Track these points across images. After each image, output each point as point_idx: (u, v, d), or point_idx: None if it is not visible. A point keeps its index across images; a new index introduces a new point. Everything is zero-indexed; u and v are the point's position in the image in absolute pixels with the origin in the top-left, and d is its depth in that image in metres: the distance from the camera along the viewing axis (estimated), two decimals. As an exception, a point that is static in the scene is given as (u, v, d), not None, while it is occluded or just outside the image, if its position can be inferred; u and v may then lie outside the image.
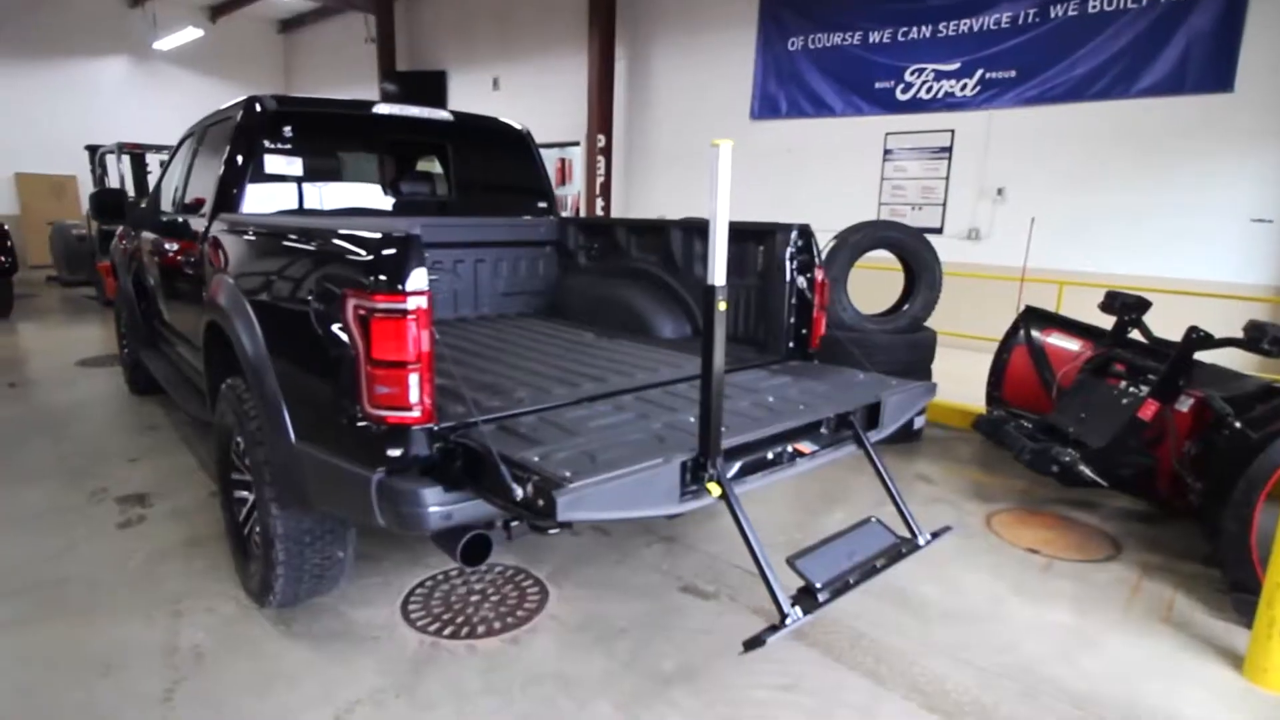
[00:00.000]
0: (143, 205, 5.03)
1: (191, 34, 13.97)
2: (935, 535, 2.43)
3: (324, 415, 2.20)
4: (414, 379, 1.96)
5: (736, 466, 2.22)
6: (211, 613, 2.87)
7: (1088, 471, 3.70)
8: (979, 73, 7.66)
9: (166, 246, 4.00)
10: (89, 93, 14.17)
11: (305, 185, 3.60)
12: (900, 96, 8.24)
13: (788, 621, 1.87)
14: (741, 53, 9.46)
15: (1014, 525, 3.87)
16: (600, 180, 10.65)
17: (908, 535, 2.40)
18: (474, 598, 3.03)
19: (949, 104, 7.92)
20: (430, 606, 2.95)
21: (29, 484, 4.03)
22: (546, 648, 2.72)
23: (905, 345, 4.92)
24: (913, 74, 8.10)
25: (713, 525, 3.73)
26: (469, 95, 13.01)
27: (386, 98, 13.06)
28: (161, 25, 14.00)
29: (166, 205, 4.42)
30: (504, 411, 2.36)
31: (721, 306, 1.86)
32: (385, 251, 1.98)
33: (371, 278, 1.96)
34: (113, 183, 9.73)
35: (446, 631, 2.79)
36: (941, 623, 2.94)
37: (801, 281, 3.21)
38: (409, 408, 1.98)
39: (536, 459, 1.88)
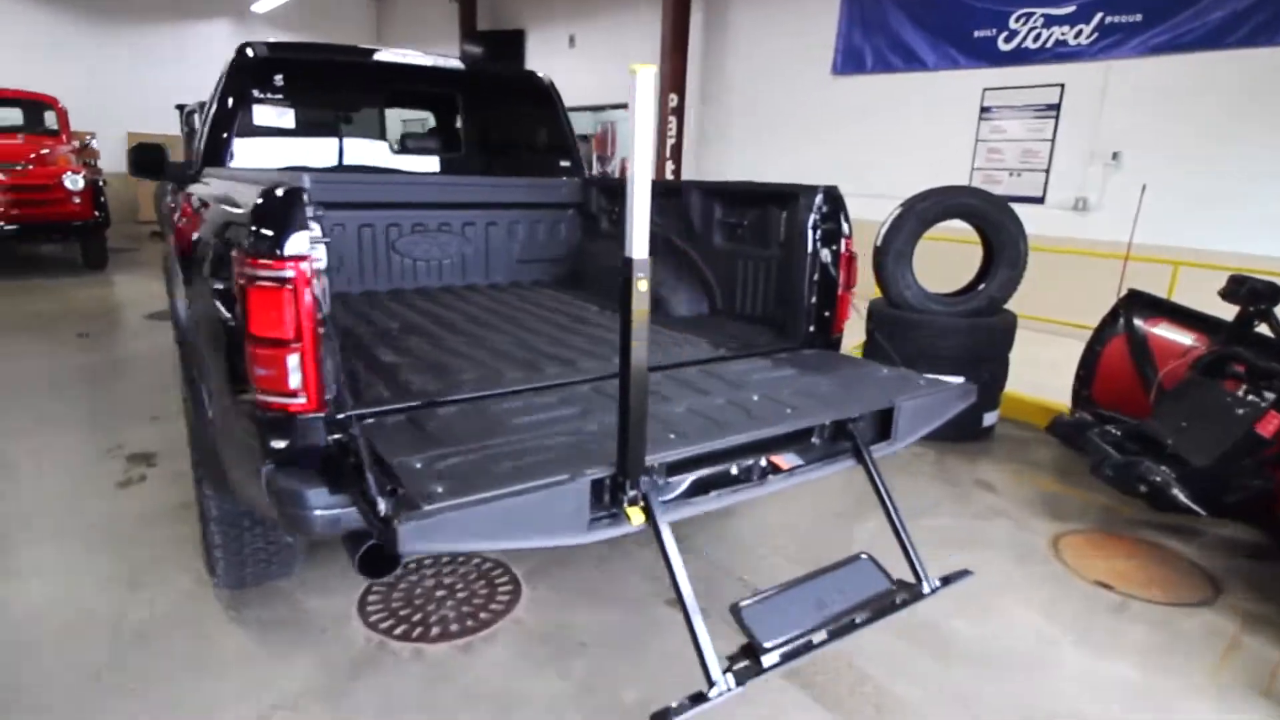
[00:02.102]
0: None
1: (286, -4, 14.28)
2: (947, 581, 1.94)
3: (228, 395, 1.95)
4: (294, 360, 1.66)
5: (686, 483, 1.80)
6: (168, 586, 2.74)
7: (1182, 496, 3.05)
8: (1097, 17, 6.62)
9: (174, 204, 3.90)
10: (192, 54, 14.81)
11: (296, 139, 3.38)
12: (1003, 46, 7.28)
13: (711, 694, 1.47)
14: (824, 3, 8.66)
15: (1086, 551, 3.27)
16: (671, 142, 10.13)
17: (911, 580, 1.92)
18: (440, 593, 2.78)
19: (1060, 54, 6.92)
20: (390, 601, 2.72)
21: (51, 435, 4.09)
22: (498, 659, 2.43)
23: (973, 329, 4.29)
24: (1018, 20, 7.12)
25: (723, 527, 3.33)
26: (546, 53, 12.69)
27: (466, 58, 12.93)
28: (259, -12, 14.39)
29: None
30: (440, 398, 2.05)
31: (641, 286, 1.45)
32: (263, 208, 1.67)
33: (249, 239, 1.67)
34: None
35: (398, 631, 2.55)
36: (967, 668, 2.45)
37: (825, 255, 2.70)
38: (291, 394, 1.68)
39: (419, 465, 1.55)
